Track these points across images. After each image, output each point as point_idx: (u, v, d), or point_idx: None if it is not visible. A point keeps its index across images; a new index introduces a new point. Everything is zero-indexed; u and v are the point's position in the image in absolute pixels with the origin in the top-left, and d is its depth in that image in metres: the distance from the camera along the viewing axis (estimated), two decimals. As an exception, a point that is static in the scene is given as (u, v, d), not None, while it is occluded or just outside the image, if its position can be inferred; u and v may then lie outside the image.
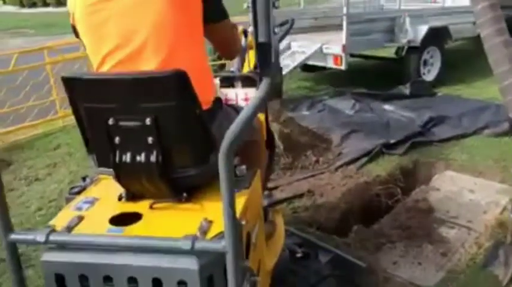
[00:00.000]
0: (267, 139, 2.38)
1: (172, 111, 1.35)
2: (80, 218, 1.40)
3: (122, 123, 1.37)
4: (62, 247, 1.30)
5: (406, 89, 5.96)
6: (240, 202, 1.43)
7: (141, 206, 1.47)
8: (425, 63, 6.50)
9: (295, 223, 3.01)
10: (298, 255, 2.48)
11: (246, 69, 2.72)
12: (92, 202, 1.52)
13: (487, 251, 2.66)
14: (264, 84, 1.15)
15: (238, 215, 1.34)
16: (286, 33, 3.01)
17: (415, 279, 2.54)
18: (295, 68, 6.13)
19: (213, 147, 1.42)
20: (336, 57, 5.83)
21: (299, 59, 6.00)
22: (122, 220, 1.39)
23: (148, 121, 1.34)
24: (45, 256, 1.32)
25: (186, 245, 1.15)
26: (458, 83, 6.46)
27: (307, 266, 2.35)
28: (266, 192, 3.56)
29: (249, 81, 2.30)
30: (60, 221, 1.40)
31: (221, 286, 1.21)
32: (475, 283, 2.48)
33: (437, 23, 6.30)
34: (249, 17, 2.56)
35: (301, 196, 3.51)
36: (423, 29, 6.11)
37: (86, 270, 1.28)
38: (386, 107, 5.55)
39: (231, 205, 1.11)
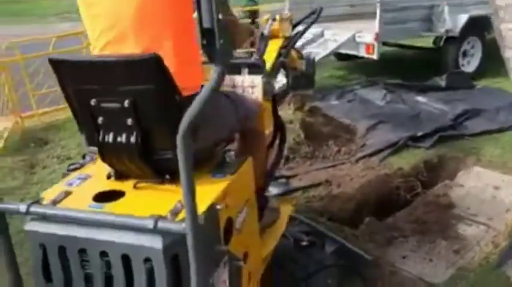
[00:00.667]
0: (275, 129, 2.37)
1: (149, 95, 1.38)
2: (67, 193, 1.48)
3: (103, 104, 1.43)
4: (44, 218, 1.37)
5: (442, 81, 5.76)
6: (220, 187, 1.46)
7: (126, 185, 1.52)
8: (464, 54, 6.26)
9: (307, 212, 3.00)
10: (304, 243, 2.48)
11: (269, 57, 2.72)
12: (84, 179, 1.60)
13: (503, 250, 2.56)
14: (215, 71, 1.15)
15: (214, 199, 1.38)
16: (313, 22, 3.00)
17: (423, 275, 2.48)
18: (327, 56, 6.05)
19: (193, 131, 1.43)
20: (368, 46, 5.70)
21: (331, 47, 5.91)
22: (105, 197, 1.45)
23: (126, 103, 1.39)
24: (28, 226, 1.39)
25: (150, 224, 1.18)
26: (499, 76, 6.14)
27: (310, 254, 2.34)
28: (283, 180, 3.59)
29: (255, 68, 2.29)
30: (50, 194, 1.48)
31: (187, 266, 1.23)
32: (485, 282, 2.40)
33: (478, 12, 6.01)
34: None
35: (318, 185, 3.49)
36: (463, 18, 5.87)
37: (63, 242, 1.34)
38: (419, 98, 5.39)
39: (190, 187, 1.12)
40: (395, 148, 4.09)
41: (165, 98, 1.40)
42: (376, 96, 5.54)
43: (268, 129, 2.24)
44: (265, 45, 2.75)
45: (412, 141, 4.21)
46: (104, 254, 1.31)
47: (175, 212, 1.30)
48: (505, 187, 3.31)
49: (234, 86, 2.19)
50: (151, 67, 1.34)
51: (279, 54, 2.65)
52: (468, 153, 3.98)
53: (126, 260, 1.28)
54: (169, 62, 1.38)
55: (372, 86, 5.86)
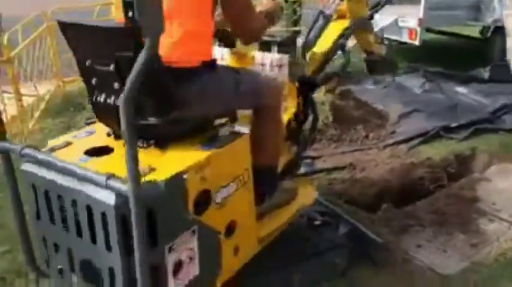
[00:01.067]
0: (305, 110, 2.37)
1: (129, 62, 1.44)
2: (68, 144, 1.66)
3: (95, 66, 1.55)
4: (38, 162, 1.53)
5: (485, 73, 5.56)
6: (197, 158, 1.54)
7: (118, 144, 1.64)
8: (513, 46, 5.97)
9: (328, 194, 3.02)
10: (317, 223, 2.51)
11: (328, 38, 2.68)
12: (89, 133, 1.77)
13: (523, 248, 2.51)
14: (145, 44, 1.17)
15: (184, 169, 1.48)
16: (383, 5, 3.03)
17: (435, 265, 2.47)
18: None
19: (176, 102, 1.58)
20: (410, 31, 5.56)
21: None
22: (96, 152, 1.60)
23: (112, 67, 1.49)
24: (23, 166, 1.57)
25: (102, 181, 1.30)
26: (549, 71, 5.88)
27: (321, 233, 2.37)
28: (308, 160, 3.60)
29: (284, 47, 2.30)
30: (55, 142, 1.67)
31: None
32: (498, 277, 2.36)
33: (533, 2, 5.71)
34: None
35: (342, 168, 3.50)
36: (515, 8, 5.59)
37: (48, 186, 1.51)
38: (459, 89, 5.24)
39: (132, 152, 1.21)
40: (427, 137, 4.02)
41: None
42: (414, 83, 5.43)
43: (290, 111, 2.23)
44: (324, 25, 2.74)
45: (445, 132, 4.13)
46: (74, 202, 1.45)
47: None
48: (534, 185, 3.21)
49: (263, 64, 2.21)
50: (128, 37, 1.42)
51: (341, 36, 2.66)
52: (502, 148, 3.86)
53: (89, 210, 1.41)
54: (174, 32, 1.55)
55: (411, 72, 5.72)
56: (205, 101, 1.73)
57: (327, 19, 2.72)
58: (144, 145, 1.63)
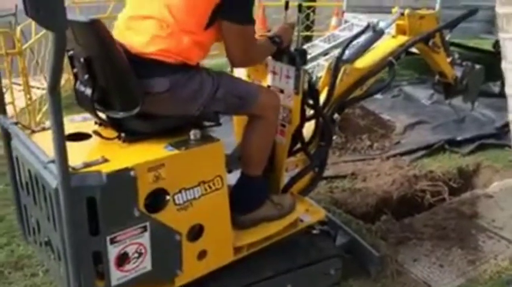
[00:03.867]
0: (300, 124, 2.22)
1: (96, 56, 1.60)
2: None
3: (75, 57, 1.71)
4: (18, 139, 1.76)
5: (495, 87, 5.50)
6: (154, 157, 1.60)
7: (101, 132, 1.76)
8: (525, 61, 5.92)
9: (327, 203, 3.03)
10: (315, 232, 2.51)
11: (375, 53, 2.42)
12: (85, 119, 1.90)
13: (519, 268, 2.50)
14: (52, 38, 1.16)
15: (133, 165, 1.54)
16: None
17: (430, 280, 2.47)
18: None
19: (142, 96, 1.67)
20: (422, 42, 5.50)
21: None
22: (76, 137, 1.75)
23: (82, 60, 1.63)
24: (12, 142, 1.81)
25: (45, 163, 1.49)
26: (560, 88, 5.81)
27: (318, 243, 2.36)
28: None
29: (291, 57, 2.21)
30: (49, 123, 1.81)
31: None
32: (492, 296, 2.36)
33: (547, 18, 5.67)
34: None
35: (343, 177, 3.50)
36: (528, 24, 5.54)
37: (23, 160, 1.71)
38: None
39: (59, 141, 1.28)
40: (431, 150, 4.01)
41: (108, 61, 1.59)
42: (423, 95, 5.41)
43: (294, 124, 2.17)
44: (374, 40, 2.52)
45: (450, 146, 4.11)
46: (36, 179, 1.61)
47: (88, 164, 1.51)
48: (536, 205, 3.19)
49: (274, 72, 2.20)
50: (93, 31, 1.51)
51: (392, 53, 2.44)
52: (506, 165, 3.83)
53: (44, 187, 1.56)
54: (170, 28, 1.70)
55: (419, 83, 5.70)
56: (174, 100, 1.76)
57: (379, 34, 2.57)
58: (113, 137, 1.74)
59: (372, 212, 3.07)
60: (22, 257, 2.45)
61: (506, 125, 4.55)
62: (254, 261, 2.10)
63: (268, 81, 2.24)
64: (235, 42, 1.83)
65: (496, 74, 5.71)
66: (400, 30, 2.62)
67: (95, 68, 1.64)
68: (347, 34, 6.15)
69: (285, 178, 2.33)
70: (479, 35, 5.88)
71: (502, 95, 5.48)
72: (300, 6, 2.46)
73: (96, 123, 1.84)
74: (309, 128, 2.30)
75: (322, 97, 2.27)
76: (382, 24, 2.54)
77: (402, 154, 3.91)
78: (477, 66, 3.15)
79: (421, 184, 3.39)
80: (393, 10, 2.62)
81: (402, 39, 2.56)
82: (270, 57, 2.20)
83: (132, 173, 1.53)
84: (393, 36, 2.65)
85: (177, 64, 1.75)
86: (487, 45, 6.70)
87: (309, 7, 7.50)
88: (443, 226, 2.90)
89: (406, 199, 3.25)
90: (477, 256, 2.67)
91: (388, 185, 3.32)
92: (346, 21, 6.56)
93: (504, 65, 1.72)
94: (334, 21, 7.50)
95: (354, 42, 2.54)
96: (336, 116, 2.36)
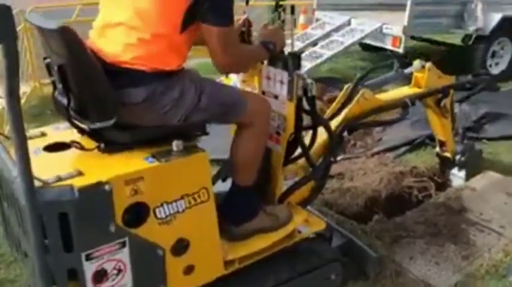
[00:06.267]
0: (295, 132, 2.12)
1: (68, 65, 1.55)
2: (42, 135, 1.80)
3: (51, 65, 1.66)
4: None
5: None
6: (130, 168, 1.53)
7: (82, 142, 1.69)
8: (493, 54, 6.09)
9: (318, 204, 2.97)
10: (311, 236, 2.45)
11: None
12: (70, 127, 1.78)
13: (513, 260, 2.52)
14: (3, 50, 1.17)
15: (110, 179, 1.47)
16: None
17: (428, 278, 2.46)
18: (353, 45, 5.95)
19: (118, 106, 1.61)
20: (394, 39, 5.59)
21: (357, 37, 5.80)
22: (56, 147, 1.68)
23: (55, 68, 1.58)
24: None
25: (14, 175, 1.40)
26: (528, 80, 6.00)
27: (315, 248, 2.30)
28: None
29: (283, 62, 2.05)
30: (34, 132, 1.81)
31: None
32: (491, 291, 2.36)
33: (513, 12, 5.83)
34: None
35: (331, 177, 3.45)
36: (496, 18, 5.70)
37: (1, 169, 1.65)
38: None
39: (22, 154, 1.26)
40: (413, 145, 4.03)
41: (80, 70, 1.54)
42: (399, 91, 5.44)
43: (288, 131, 2.09)
44: (395, 79, 3.05)
45: (431, 140, 4.13)
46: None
47: (60, 177, 1.44)
48: (520, 195, 3.24)
49: (268, 78, 2.12)
50: (62, 39, 1.47)
51: (407, 97, 2.64)
52: (485, 157, 3.89)
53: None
54: (142, 35, 1.63)
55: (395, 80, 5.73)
56: (152, 110, 1.69)
57: (403, 76, 2.84)
58: (97, 147, 1.66)
59: (362, 211, 3.03)
60: (4, 282, 2.29)
61: (482, 117, 4.66)
62: (254, 271, 2.03)
63: (262, 86, 2.16)
64: (218, 45, 1.72)
65: (466, 67, 5.89)
66: (416, 83, 2.82)
67: (68, 76, 1.57)
68: (319, 33, 6.16)
69: (283, 187, 2.27)
70: (448, 30, 5.99)
71: (472, 88, 5.63)
72: (292, 8, 2.43)
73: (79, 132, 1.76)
74: (320, 137, 2.27)
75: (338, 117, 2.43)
76: (408, 70, 2.79)
77: (385, 151, 3.92)
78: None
79: (407, 180, 3.39)
80: (415, 62, 2.81)
81: (416, 90, 2.77)
82: (265, 62, 2.11)
83: (107, 187, 1.46)
84: (409, 87, 2.89)
85: (154, 72, 1.66)
86: (453, 39, 6.84)
87: (280, 6, 7.48)
88: (435, 222, 2.90)
89: (395, 196, 3.23)
90: (471, 250, 2.68)
91: (376, 183, 3.30)
92: (317, 20, 6.56)
93: None
94: (302, 19, 7.51)
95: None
96: (345, 134, 2.40)
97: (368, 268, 2.44)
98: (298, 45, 5.98)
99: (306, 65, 5.44)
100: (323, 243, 2.38)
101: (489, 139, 4.26)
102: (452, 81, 2.93)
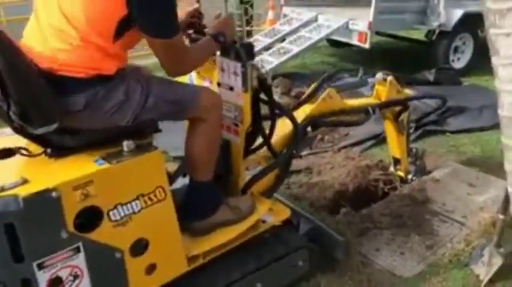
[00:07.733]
0: (253, 123, 2.12)
1: (2, 68, 1.47)
2: None
3: None
4: None
5: (430, 75, 5.75)
6: (78, 173, 1.49)
7: (28, 147, 1.63)
8: (456, 50, 6.25)
9: (285, 198, 2.99)
10: (277, 223, 2.45)
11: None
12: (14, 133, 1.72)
13: (474, 249, 2.60)
14: None
15: (53, 184, 1.43)
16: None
17: (393, 268, 2.52)
18: (320, 41, 6.00)
19: (59, 112, 1.56)
20: (360, 34, 5.65)
21: (323, 32, 5.84)
22: (2, 154, 1.61)
23: None
24: None
25: None
26: (488, 74, 6.15)
27: (282, 235, 2.30)
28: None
29: (236, 53, 2.02)
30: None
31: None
32: (453, 279, 2.43)
33: (474, 8, 5.97)
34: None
35: (298, 172, 3.49)
36: (457, 14, 5.84)
37: None
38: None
39: None
40: (378, 140, 4.11)
41: (14, 75, 1.48)
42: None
43: (246, 123, 2.08)
44: (357, 86, 3.10)
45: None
46: None
47: (5, 187, 1.40)
48: (480, 186, 3.34)
49: (222, 69, 2.09)
50: None
51: (369, 105, 2.80)
52: (448, 150, 4.02)
53: None
54: (73, 40, 1.56)
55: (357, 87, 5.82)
56: (96, 115, 1.65)
57: (362, 82, 2.97)
58: (45, 153, 1.61)
59: (330, 205, 3.07)
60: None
61: (446, 111, 4.78)
62: (220, 264, 2.03)
63: (218, 78, 2.14)
64: (163, 56, 1.70)
65: (429, 62, 6.03)
66: (377, 95, 2.98)
67: (6, 81, 1.50)
68: (287, 28, 6.18)
69: (246, 178, 2.27)
70: (412, 25, 6.12)
71: (436, 82, 5.78)
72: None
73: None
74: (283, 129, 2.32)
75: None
76: (371, 80, 2.96)
77: (352, 145, 3.98)
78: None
79: (373, 173, 3.45)
80: (377, 74, 2.97)
81: (374, 101, 2.95)
82: (218, 53, 2.08)
83: (54, 194, 1.42)
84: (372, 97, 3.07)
85: (92, 78, 1.61)
86: (417, 34, 6.99)
87: (247, 1, 7.46)
88: (400, 214, 2.97)
89: (362, 189, 3.28)
90: (434, 240, 2.75)
91: (343, 177, 3.34)
92: (285, 15, 6.58)
93: (496, 61, 1.73)
94: (270, 15, 7.53)
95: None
96: (309, 129, 2.49)
97: (336, 252, 2.47)
98: (266, 41, 6.01)
99: (274, 60, 5.45)
100: (290, 230, 2.37)
101: (452, 132, 4.38)
102: (410, 96, 3.13)
